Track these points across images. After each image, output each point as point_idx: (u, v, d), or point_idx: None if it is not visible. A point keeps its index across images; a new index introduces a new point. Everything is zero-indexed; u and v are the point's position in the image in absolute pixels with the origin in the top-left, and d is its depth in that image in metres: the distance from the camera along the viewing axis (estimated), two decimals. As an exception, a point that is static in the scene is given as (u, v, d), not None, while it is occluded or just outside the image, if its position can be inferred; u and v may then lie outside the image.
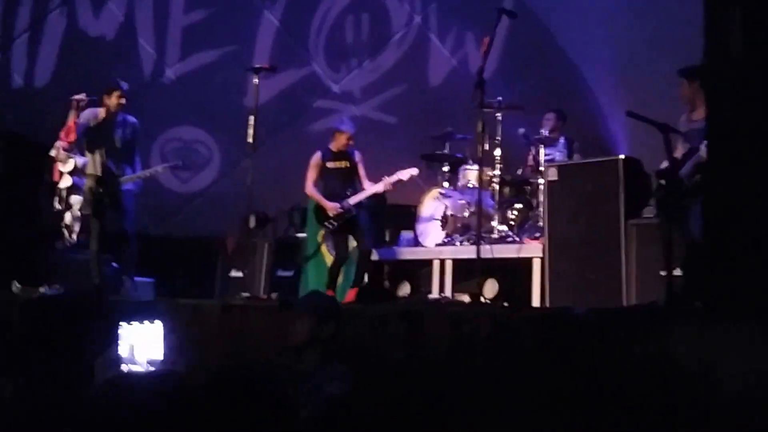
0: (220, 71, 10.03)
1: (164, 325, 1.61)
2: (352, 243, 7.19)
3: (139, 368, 1.60)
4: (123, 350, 1.61)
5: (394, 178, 7.05)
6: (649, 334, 3.31)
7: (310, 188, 7.11)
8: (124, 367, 1.60)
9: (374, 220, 7.59)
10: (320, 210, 7.09)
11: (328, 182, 7.08)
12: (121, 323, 1.58)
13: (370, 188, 7.04)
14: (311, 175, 7.09)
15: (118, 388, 1.38)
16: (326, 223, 7.06)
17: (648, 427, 3.14)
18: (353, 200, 6.98)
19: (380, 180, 7.09)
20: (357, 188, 7.06)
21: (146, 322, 1.59)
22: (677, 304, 4.25)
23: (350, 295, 6.69)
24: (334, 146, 7.08)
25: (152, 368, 1.61)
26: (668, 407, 3.10)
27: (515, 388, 3.73)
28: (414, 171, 7.19)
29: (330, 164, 7.07)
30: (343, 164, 7.07)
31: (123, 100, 6.97)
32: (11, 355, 1.85)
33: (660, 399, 3.14)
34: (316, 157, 7.10)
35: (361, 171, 7.12)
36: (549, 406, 3.58)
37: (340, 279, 7.14)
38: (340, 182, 7.05)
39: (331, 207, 6.96)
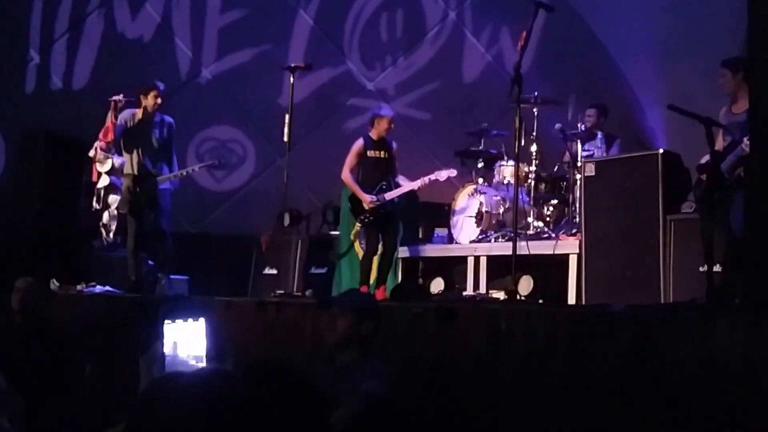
0: (256, 71, 10.08)
1: (207, 323, 1.60)
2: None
3: (183, 365, 1.58)
4: (166, 348, 1.59)
5: (432, 177, 7.01)
6: (690, 331, 3.24)
7: (346, 174, 6.99)
8: (169, 364, 1.59)
9: (408, 217, 7.56)
10: (356, 201, 7.00)
11: (365, 171, 6.98)
12: (165, 321, 1.57)
13: (407, 185, 6.99)
14: (350, 161, 6.98)
15: (165, 389, 1.36)
16: (361, 217, 6.98)
17: (691, 426, 3.08)
18: (389, 196, 6.91)
19: (417, 178, 7.05)
20: (391, 180, 6.99)
21: (190, 320, 1.57)
22: (718, 301, 4.16)
23: (377, 295, 6.57)
24: (374, 134, 6.97)
25: (198, 364, 1.59)
26: (711, 406, 3.04)
27: (553, 386, 3.68)
28: (452, 172, 7.17)
29: (370, 153, 6.96)
30: (382, 154, 6.97)
31: (160, 100, 7.03)
32: (90, 342, 1.87)
33: (703, 397, 3.08)
34: (358, 145, 6.99)
35: (396, 163, 7.06)
36: (588, 404, 3.52)
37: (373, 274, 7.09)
38: (377, 172, 6.95)
39: (368, 200, 6.87)
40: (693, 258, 5.59)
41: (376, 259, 7.07)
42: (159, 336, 1.59)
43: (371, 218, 6.91)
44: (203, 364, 1.62)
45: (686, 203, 6.06)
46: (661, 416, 3.22)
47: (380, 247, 7.08)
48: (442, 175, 7.06)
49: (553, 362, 3.72)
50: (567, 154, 7.62)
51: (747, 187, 4.06)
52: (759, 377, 2.94)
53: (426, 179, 7.00)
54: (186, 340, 1.62)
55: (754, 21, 3.66)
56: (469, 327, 4.21)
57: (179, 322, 1.62)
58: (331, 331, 3.55)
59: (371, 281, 7.02)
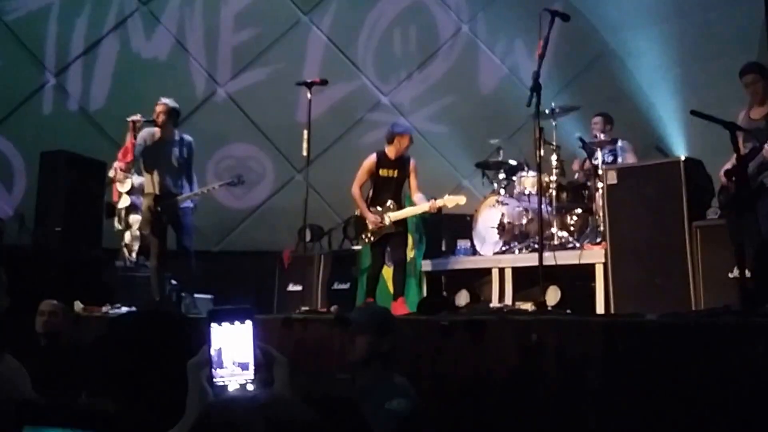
0: (271, 88, 10.12)
1: (255, 326, 1.54)
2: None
3: (226, 372, 1.53)
4: (213, 352, 1.55)
5: (441, 203, 6.77)
6: (730, 338, 3.20)
7: (355, 190, 6.86)
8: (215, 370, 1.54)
9: (430, 229, 7.51)
10: (360, 219, 6.90)
11: (376, 189, 6.84)
12: (212, 323, 1.52)
13: (414, 208, 6.82)
14: (360, 177, 6.85)
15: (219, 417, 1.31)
16: (363, 236, 6.87)
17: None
18: (394, 216, 6.74)
19: (438, 192, 6.90)
20: (401, 200, 6.85)
21: (236, 323, 1.53)
22: (752, 306, 4.11)
23: (395, 308, 6.43)
24: (392, 151, 6.79)
25: (244, 372, 1.54)
26: (757, 413, 2.99)
27: (589, 398, 3.64)
28: (461, 200, 6.91)
29: (382, 171, 6.80)
30: (396, 173, 6.81)
31: (164, 116, 6.88)
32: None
33: (748, 405, 3.03)
34: (371, 161, 6.82)
35: (413, 181, 6.85)
36: (625, 416, 3.48)
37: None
38: (388, 192, 6.80)
39: (372, 220, 6.75)
40: (720, 264, 5.56)
41: (389, 273, 6.98)
42: (207, 339, 1.54)
43: (372, 238, 6.81)
44: (249, 372, 1.57)
45: (711, 209, 6.02)
46: (703, 426, 3.18)
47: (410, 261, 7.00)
48: (451, 202, 6.82)
49: (589, 373, 3.68)
50: (587, 161, 7.59)
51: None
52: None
53: (435, 204, 6.71)
54: (232, 345, 1.57)
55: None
56: (500, 339, 4.17)
57: (226, 324, 1.57)
58: (351, 351, 3.52)
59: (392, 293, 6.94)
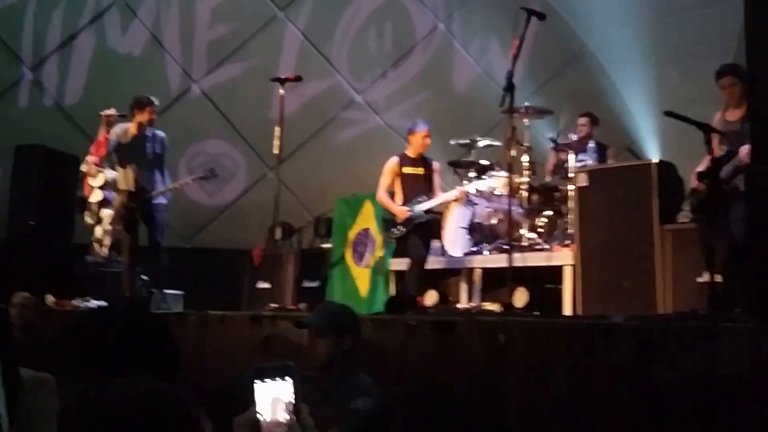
0: (246, 84, 10.05)
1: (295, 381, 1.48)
2: None
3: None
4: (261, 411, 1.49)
5: (470, 188, 6.77)
6: (695, 342, 3.21)
7: (380, 195, 6.76)
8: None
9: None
10: (390, 219, 6.72)
11: (405, 188, 6.70)
12: (255, 381, 1.46)
13: (443, 196, 6.76)
14: (384, 181, 6.73)
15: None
16: (393, 229, 6.67)
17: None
18: (424, 206, 6.60)
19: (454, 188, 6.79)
20: (429, 196, 6.69)
21: (278, 379, 1.47)
22: (720, 310, 4.12)
23: None
24: (411, 151, 6.73)
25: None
26: (718, 417, 3.00)
27: (553, 399, 3.64)
28: (494, 183, 6.82)
29: (407, 169, 6.70)
30: (422, 170, 6.70)
31: (155, 116, 7.04)
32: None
33: (709, 409, 3.04)
34: (393, 163, 6.73)
35: (437, 181, 6.79)
36: (589, 417, 3.48)
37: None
38: (416, 189, 6.66)
39: (399, 211, 6.58)
40: (689, 268, 5.57)
41: (359, 273, 6.91)
42: (250, 397, 1.48)
43: (402, 230, 6.61)
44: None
45: (682, 213, 6.03)
46: (665, 429, 3.18)
47: None
48: (482, 185, 6.80)
49: (555, 374, 3.68)
50: (554, 161, 7.58)
51: (748, 196, 4.03)
52: (766, 387, 2.90)
53: (463, 189, 6.74)
54: (273, 402, 1.50)
55: (750, 29, 3.65)
56: (468, 340, 4.17)
57: (268, 380, 1.50)
58: (314, 355, 3.48)
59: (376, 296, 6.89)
